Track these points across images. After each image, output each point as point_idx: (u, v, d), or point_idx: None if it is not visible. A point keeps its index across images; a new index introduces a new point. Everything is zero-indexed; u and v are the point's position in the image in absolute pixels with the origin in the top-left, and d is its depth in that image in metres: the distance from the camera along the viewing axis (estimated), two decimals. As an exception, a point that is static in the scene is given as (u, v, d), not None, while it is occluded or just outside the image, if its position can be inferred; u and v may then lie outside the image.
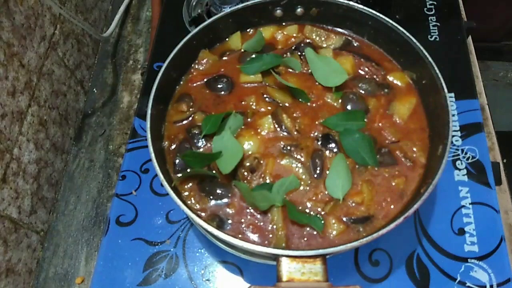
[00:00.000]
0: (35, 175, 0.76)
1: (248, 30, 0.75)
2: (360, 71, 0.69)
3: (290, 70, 0.69)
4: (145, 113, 0.60)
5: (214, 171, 0.60)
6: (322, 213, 0.56)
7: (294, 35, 0.74)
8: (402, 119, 0.64)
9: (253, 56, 0.70)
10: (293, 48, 0.71)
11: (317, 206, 0.57)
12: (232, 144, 0.60)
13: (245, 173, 0.60)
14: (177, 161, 0.61)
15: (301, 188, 0.59)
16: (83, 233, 0.79)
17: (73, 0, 0.91)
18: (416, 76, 0.67)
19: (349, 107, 0.65)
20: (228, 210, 0.58)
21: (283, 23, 0.75)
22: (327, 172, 0.59)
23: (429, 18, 0.91)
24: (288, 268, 0.47)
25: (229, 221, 0.57)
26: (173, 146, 0.63)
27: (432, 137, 0.62)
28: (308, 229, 0.56)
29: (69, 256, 0.77)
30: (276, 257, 0.49)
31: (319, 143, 0.62)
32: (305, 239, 0.55)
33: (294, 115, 0.65)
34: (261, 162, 0.60)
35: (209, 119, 0.63)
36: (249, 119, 0.64)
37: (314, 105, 0.65)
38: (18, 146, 0.71)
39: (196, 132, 0.63)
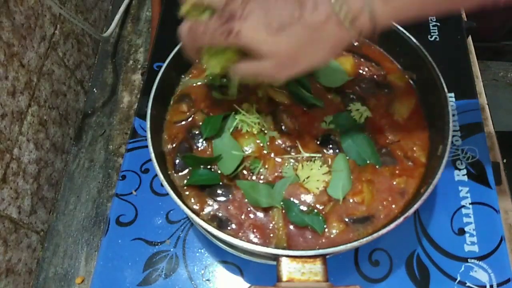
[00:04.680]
0: (35, 175, 0.76)
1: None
2: (360, 71, 0.69)
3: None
4: (145, 113, 0.60)
5: (213, 168, 0.60)
6: (323, 213, 0.57)
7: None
8: (402, 119, 0.64)
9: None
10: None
11: (317, 206, 0.57)
12: (232, 145, 0.61)
13: (245, 173, 0.60)
14: (177, 161, 0.61)
15: (301, 188, 0.59)
16: (83, 233, 0.79)
17: (73, 0, 0.91)
18: (416, 76, 0.67)
19: (349, 107, 0.65)
20: (228, 210, 0.58)
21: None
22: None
23: (429, 18, 0.91)
24: (288, 268, 0.47)
25: (229, 221, 0.57)
26: (173, 146, 0.63)
27: (432, 137, 0.62)
28: (309, 229, 0.56)
29: (69, 256, 0.76)
30: (276, 257, 0.49)
31: (319, 143, 0.62)
32: (306, 238, 0.56)
33: (294, 114, 0.65)
34: (261, 162, 0.60)
35: (209, 121, 0.63)
36: (249, 119, 0.64)
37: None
38: (18, 146, 0.71)
39: (197, 133, 0.63)
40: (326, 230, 0.56)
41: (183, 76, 0.71)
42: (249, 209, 0.58)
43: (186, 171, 0.61)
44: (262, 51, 0.45)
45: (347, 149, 0.60)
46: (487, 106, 0.82)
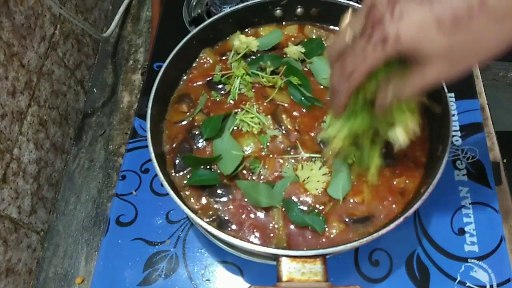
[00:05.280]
0: (35, 175, 0.76)
1: (248, 30, 0.75)
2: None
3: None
4: (145, 113, 0.60)
5: (213, 168, 0.60)
6: (323, 213, 0.57)
7: (294, 35, 0.74)
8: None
9: (253, 57, 0.71)
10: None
11: (317, 206, 0.57)
12: (233, 145, 0.61)
13: (245, 173, 0.60)
14: (177, 161, 0.61)
15: (301, 188, 0.58)
16: (83, 233, 0.79)
17: (73, 0, 0.91)
18: (416, 76, 0.67)
19: (349, 107, 0.65)
20: (228, 210, 0.58)
21: (283, 23, 0.75)
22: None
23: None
24: (288, 268, 0.47)
25: (230, 221, 0.57)
26: (174, 146, 0.63)
27: (432, 137, 0.62)
28: (309, 229, 0.56)
29: (69, 256, 0.76)
30: (276, 257, 0.49)
31: (319, 143, 0.62)
32: (306, 238, 0.55)
33: (294, 114, 0.65)
34: (261, 162, 0.60)
35: (209, 121, 0.63)
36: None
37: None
38: (18, 146, 0.71)
39: (197, 133, 0.63)
40: (326, 230, 0.56)
41: (183, 76, 0.71)
42: (249, 209, 0.58)
43: (186, 171, 0.61)
44: (434, 53, 0.37)
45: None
46: (487, 106, 0.82)
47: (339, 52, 0.43)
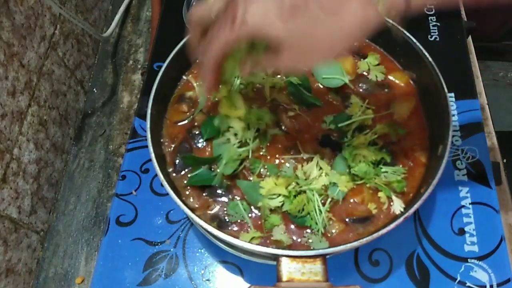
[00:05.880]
0: (35, 175, 0.76)
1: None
2: (360, 71, 0.69)
3: (290, 70, 0.69)
4: (145, 113, 0.60)
5: (213, 168, 0.60)
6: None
7: (294, 35, 0.74)
8: (402, 119, 0.64)
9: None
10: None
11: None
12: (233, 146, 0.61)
13: (246, 173, 0.60)
14: (177, 161, 0.61)
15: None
16: (83, 233, 0.79)
17: (73, 0, 0.91)
18: (416, 76, 0.67)
19: (350, 101, 0.65)
20: (228, 209, 0.58)
21: (283, 23, 0.75)
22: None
23: (429, 18, 0.91)
24: (288, 268, 0.47)
25: (229, 221, 0.57)
26: (174, 146, 0.63)
27: (432, 137, 0.62)
28: (309, 228, 0.56)
29: (69, 256, 0.76)
30: (276, 257, 0.49)
31: (319, 143, 0.62)
32: (306, 238, 0.56)
33: (294, 114, 0.65)
34: (262, 162, 0.60)
35: (209, 122, 0.63)
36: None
37: (314, 105, 0.66)
38: (18, 146, 0.71)
39: (197, 133, 0.63)
40: (326, 230, 0.56)
41: (183, 76, 0.71)
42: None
43: (186, 171, 0.61)
44: (274, 38, 0.39)
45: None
46: (487, 106, 0.82)
47: (200, 21, 0.46)
